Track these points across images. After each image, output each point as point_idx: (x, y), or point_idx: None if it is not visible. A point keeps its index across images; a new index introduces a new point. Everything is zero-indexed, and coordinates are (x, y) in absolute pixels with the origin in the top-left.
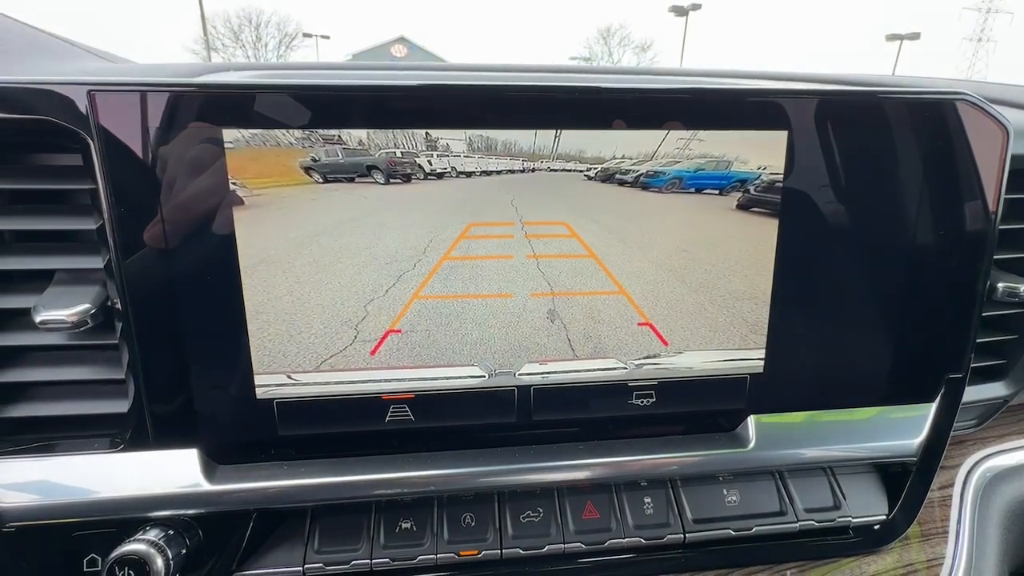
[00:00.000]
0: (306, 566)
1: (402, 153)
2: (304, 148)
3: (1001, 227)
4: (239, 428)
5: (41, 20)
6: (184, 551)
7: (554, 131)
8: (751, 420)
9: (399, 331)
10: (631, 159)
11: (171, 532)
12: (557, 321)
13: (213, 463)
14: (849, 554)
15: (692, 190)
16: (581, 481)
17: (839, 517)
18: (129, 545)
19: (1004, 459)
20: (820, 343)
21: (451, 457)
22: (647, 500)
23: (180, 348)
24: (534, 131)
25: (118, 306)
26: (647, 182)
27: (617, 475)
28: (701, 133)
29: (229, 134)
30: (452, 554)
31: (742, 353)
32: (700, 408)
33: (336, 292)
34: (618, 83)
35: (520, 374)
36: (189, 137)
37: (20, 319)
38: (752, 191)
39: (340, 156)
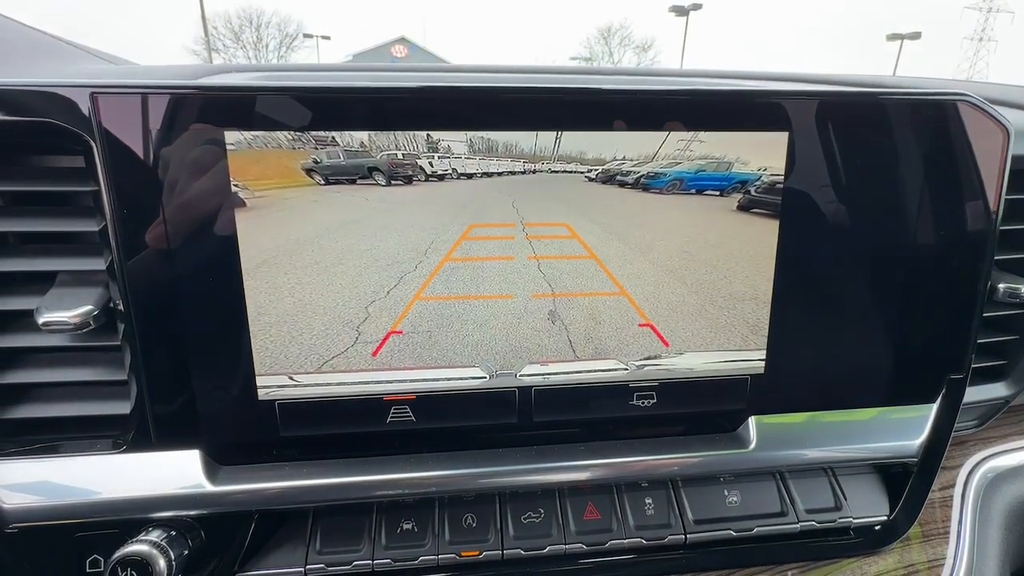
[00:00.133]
0: (308, 567)
1: (403, 155)
2: (295, 150)
3: (1002, 228)
4: (241, 429)
5: (41, 21)
6: (186, 552)
7: (555, 133)
8: (752, 421)
9: (400, 332)
10: (632, 160)
11: (173, 533)
12: (558, 322)
13: (215, 464)
14: (850, 555)
15: (693, 191)
16: (582, 482)
17: (840, 518)
18: (132, 546)
19: (1005, 460)
20: (821, 344)
21: (452, 458)
22: (648, 501)
23: (182, 349)
24: (535, 133)
25: (120, 307)
26: (648, 183)
27: (618, 476)
28: (702, 134)
29: (231, 136)
30: (453, 555)
31: (743, 354)
32: (701, 409)
33: (338, 293)
34: (619, 84)
35: (521, 375)
36: (191, 139)
37: (23, 321)
38: (753, 192)
39: (341, 158)
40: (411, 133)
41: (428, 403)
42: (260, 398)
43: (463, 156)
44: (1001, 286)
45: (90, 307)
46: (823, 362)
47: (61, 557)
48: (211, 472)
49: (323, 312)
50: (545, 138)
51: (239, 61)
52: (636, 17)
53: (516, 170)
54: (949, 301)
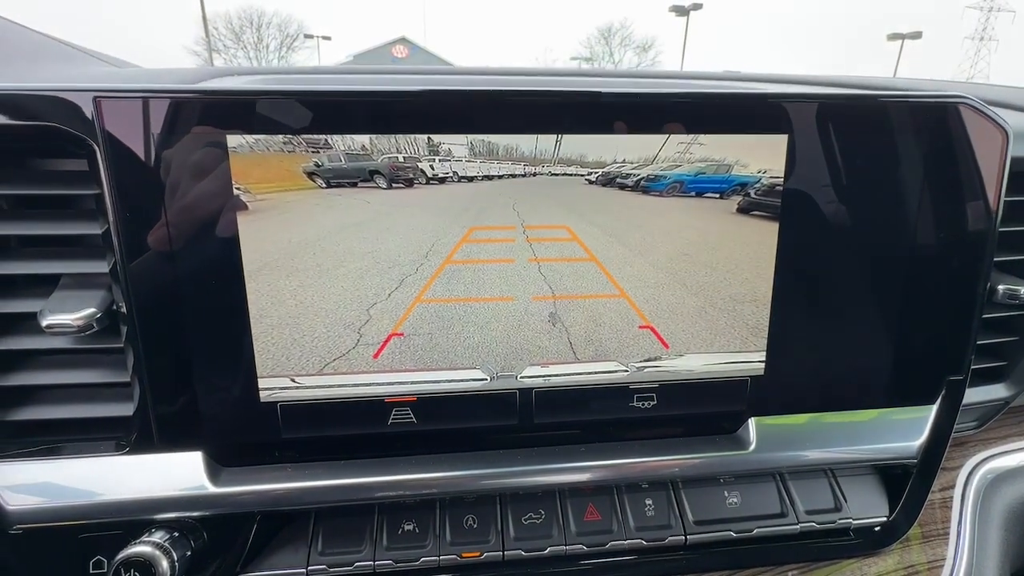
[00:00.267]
0: (310, 568)
1: (404, 158)
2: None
3: (1001, 229)
4: (243, 431)
5: (41, 22)
6: (189, 553)
7: (555, 136)
8: (752, 422)
9: (402, 334)
10: (632, 163)
11: (176, 534)
12: (559, 324)
13: (217, 465)
14: (850, 556)
15: (692, 194)
16: (583, 483)
17: (840, 519)
18: (135, 547)
19: (1005, 460)
20: (820, 346)
21: (453, 459)
22: (648, 502)
23: (184, 351)
24: (535, 136)
25: (123, 310)
26: (648, 186)
27: (618, 477)
28: (701, 137)
29: (233, 139)
30: (454, 555)
31: (743, 356)
32: (701, 410)
33: (339, 296)
34: (619, 87)
35: (522, 377)
36: (193, 142)
37: (26, 323)
38: (752, 195)
39: (343, 161)
40: (412, 136)
41: (429, 405)
42: (262, 400)
43: (464, 159)
44: (1000, 287)
45: (93, 310)
46: (823, 364)
47: (65, 558)
48: (213, 473)
49: (325, 314)
50: (545, 141)
51: (240, 61)
52: (637, 17)
53: (516, 173)
54: (948, 302)
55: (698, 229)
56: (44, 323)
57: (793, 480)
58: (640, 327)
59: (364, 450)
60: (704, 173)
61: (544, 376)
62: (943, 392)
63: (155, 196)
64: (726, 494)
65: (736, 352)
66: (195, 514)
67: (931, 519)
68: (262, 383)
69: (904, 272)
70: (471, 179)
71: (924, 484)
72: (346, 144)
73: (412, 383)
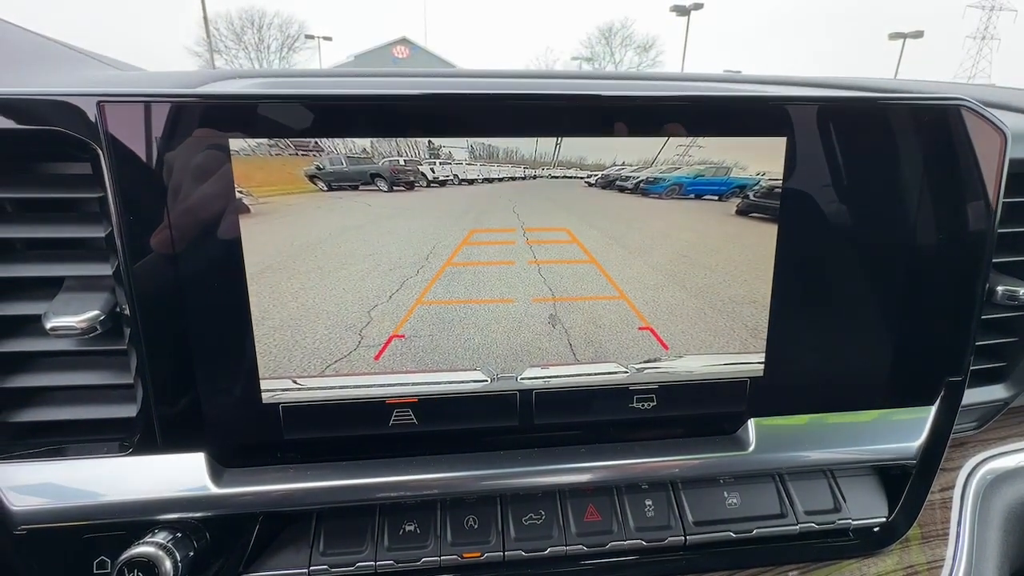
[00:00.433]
0: (311, 568)
1: (405, 161)
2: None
3: (1000, 230)
4: (245, 432)
5: (42, 23)
6: (192, 553)
7: (555, 138)
8: (751, 423)
9: (403, 336)
10: (631, 165)
11: (179, 535)
12: (558, 326)
13: (220, 466)
14: (850, 556)
15: (692, 196)
16: (583, 484)
17: (839, 519)
18: (138, 547)
19: (1005, 461)
20: (819, 347)
21: (454, 460)
22: (648, 502)
23: (187, 353)
24: (535, 139)
25: (126, 312)
26: (647, 188)
27: (618, 478)
28: (700, 139)
29: (235, 143)
30: (455, 556)
31: (742, 357)
32: (700, 411)
33: (341, 298)
34: (619, 90)
35: (522, 378)
36: (196, 146)
37: (31, 326)
38: (751, 197)
39: (344, 164)
40: (413, 140)
41: (430, 406)
42: (264, 401)
43: (464, 162)
44: (999, 288)
45: (97, 312)
46: (822, 365)
47: (68, 559)
48: (216, 474)
49: (326, 316)
50: (545, 144)
51: (241, 62)
52: (638, 16)
53: (517, 176)
54: (947, 303)
55: (697, 231)
56: (48, 325)
57: (792, 481)
58: (640, 328)
59: (365, 451)
60: (703, 175)
61: (544, 377)
62: (942, 393)
63: (158, 199)
64: (726, 495)
65: (735, 353)
66: (198, 515)
67: (931, 519)
68: (264, 384)
69: (903, 273)
70: (471, 182)
71: (923, 485)
72: (347, 147)
73: (413, 384)
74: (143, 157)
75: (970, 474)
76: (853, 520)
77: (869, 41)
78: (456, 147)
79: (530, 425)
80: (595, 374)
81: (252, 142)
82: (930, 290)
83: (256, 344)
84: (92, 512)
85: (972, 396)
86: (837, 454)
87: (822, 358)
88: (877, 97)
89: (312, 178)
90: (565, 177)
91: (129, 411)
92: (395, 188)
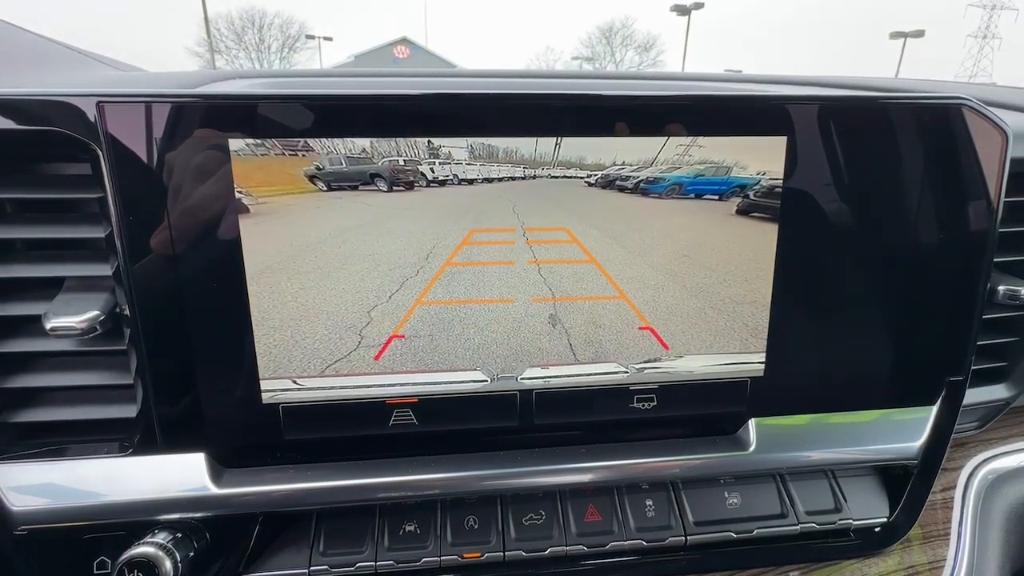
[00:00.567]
0: (312, 568)
1: (405, 161)
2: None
3: (1001, 230)
4: (245, 432)
5: (43, 24)
6: (192, 553)
7: (555, 138)
8: (752, 423)
9: (403, 336)
10: (631, 165)
11: (179, 535)
12: (559, 326)
13: (220, 467)
14: (851, 556)
15: (692, 196)
16: (583, 484)
17: (840, 520)
18: (138, 548)
19: (1006, 461)
20: (820, 347)
21: (454, 460)
22: (648, 503)
23: (187, 354)
24: (535, 138)
25: (126, 312)
26: (647, 188)
27: (619, 478)
28: (701, 139)
29: (235, 143)
30: (455, 556)
31: (742, 357)
32: (701, 411)
33: (340, 298)
34: (619, 89)
35: (522, 378)
36: (196, 146)
37: (31, 326)
38: (752, 196)
39: (344, 164)
40: (412, 140)
41: (430, 406)
42: (264, 402)
43: (464, 162)
44: (1001, 288)
45: (97, 312)
46: (822, 365)
47: (69, 559)
48: (216, 475)
49: (326, 316)
50: (545, 144)
51: (241, 62)
52: (638, 15)
53: (516, 175)
54: (948, 303)
55: (697, 231)
56: (48, 326)
57: (793, 481)
58: (640, 328)
59: (366, 451)
60: (703, 175)
61: (544, 377)
62: (943, 393)
63: (158, 199)
64: (726, 495)
65: (736, 353)
66: (198, 515)
67: (932, 520)
68: (264, 385)
69: (904, 273)
70: (471, 182)
71: (925, 485)
72: (347, 147)
73: (413, 384)
74: (143, 157)
75: (971, 474)
76: (854, 520)
77: (870, 40)
78: (456, 147)
79: (530, 425)
80: (595, 374)
81: (253, 141)
82: (931, 290)
83: (256, 344)
84: (92, 512)
85: (973, 396)
86: (838, 454)
87: (823, 358)
88: (878, 96)
89: (312, 178)
90: (565, 177)
91: (129, 411)
92: (395, 188)
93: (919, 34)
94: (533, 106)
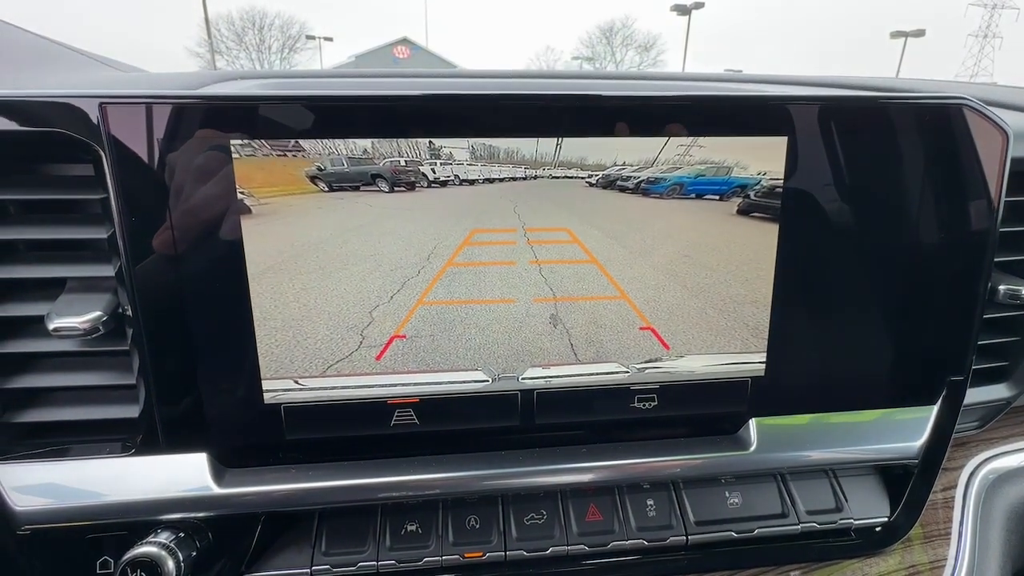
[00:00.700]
0: (313, 568)
1: (406, 162)
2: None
3: (1002, 229)
4: (247, 432)
5: (44, 25)
6: (194, 553)
7: (556, 138)
8: (753, 423)
9: (404, 336)
10: (632, 165)
11: (182, 534)
12: (559, 326)
13: (222, 467)
14: (852, 556)
15: (693, 196)
16: (584, 484)
17: (841, 519)
18: (141, 547)
19: (1007, 461)
20: (821, 346)
21: (456, 460)
22: (650, 502)
23: (189, 354)
24: (536, 139)
25: (129, 313)
26: (648, 188)
27: (620, 478)
28: (701, 139)
29: (236, 144)
30: (457, 556)
31: (743, 357)
32: (702, 411)
33: (342, 298)
34: (620, 90)
35: (523, 378)
36: (197, 147)
37: (34, 327)
38: (752, 196)
39: (345, 165)
40: (414, 140)
41: (431, 406)
42: (266, 402)
43: (465, 162)
44: (1002, 287)
45: (99, 313)
46: (823, 364)
47: (72, 559)
48: (218, 475)
49: (327, 317)
50: (546, 144)
51: (242, 63)
52: (639, 15)
53: (517, 176)
54: (949, 303)
55: (698, 231)
56: (51, 326)
57: (794, 480)
58: (641, 328)
59: (367, 451)
60: (704, 175)
61: (545, 377)
62: (944, 392)
63: (160, 200)
64: (727, 494)
65: (737, 353)
66: (200, 515)
67: (933, 519)
68: (266, 385)
69: (904, 273)
70: (472, 182)
71: (925, 484)
72: (348, 148)
73: (414, 385)
74: (145, 158)
75: (972, 474)
76: (855, 520)
77: (870, 40)
78: (457, 147)
79: (531, 425)
80: (596, 374)
81: (255, 142)
82: (932, 289)
83: (258, 345)
84: (95, 512)
85: (974, 395)
86: (839, 454)
87: (823, 357)
88: (878, 96)
89: (313, 179)
90: (566, 177)
91: (131, 411)
92: (396, 189)
93: (920, 33)
94: (534, 106)
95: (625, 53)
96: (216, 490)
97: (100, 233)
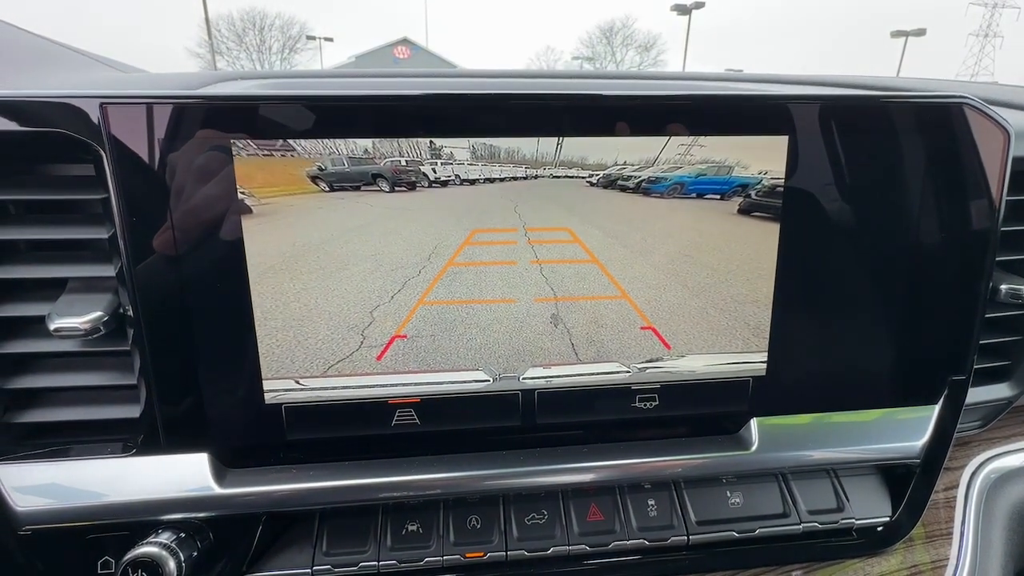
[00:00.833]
0: (315, 568)
1: (406, 161)
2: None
3: (1003, 229)
4: (248, 432)
5: (45, 26)
6: (196, 553)
7: (557, 138)
8: (754, 423)
9: (405, 336)
10: (633, 165)
11: (183, 535)
12: (560, 326)
13: (223, 467)
14: (853, 555)
15: (693, 195)
16: (585, 484)
17: (842, 519)
18: (142, 548)
19: (1009, 460)
20: (822, 346)
21: (456, 460)
22: (651, 502)
23: (190, 354)
24: (537, 138)
25: (130, 313)
26: (649, 188)
27: (621, 477)
28: (702, 139)
29: (237, 144)
30: (458, 556)
31: (744, 356)
32: (703, 411)
33: (343, 298)
34: (620, 89)
35: (524, 378)
36: (198, 147)
37: (34, 327)
38: (753, 196)
39: (346, 165)
40: (414, 140)
41: (432, 406)
42: (267, 402)
43: (466, 162)
44: (1003, 287)
45: (100, 313)
46: (825, 364)
47: (73, 559)
48: (219, 475)
49: (328, 317)
50: (547, 144)
51: (243, 63)
52: (639, 14)
53: (518, 176)
54: (950, 302)
55: (699, 230)
56: (52, 326)
57: (795, 480)
58: (642, 328)
59: (368, 451)
60: (705, 175)
61: (546, 377)
62: (946, 392)
63: (161, 200)
64: (728, 494)
65: (738, 353)
66: (201, 515)
67: (934, 519)
68: (267, 385)
69: (906, 272)
70: (473, 182)
71: (927, 484)
72: (349, 148)
73: (415, 384)
74: (146, 158)
75: (974, 473)
76: (856, 519)
77: (871, 39)
78: (458, 147)
79: (532, 425)
80: (597, 374)
81: (255, 142)
82: (933, 289)
83: (259, 345)
84: (96, 512)
85: (976, 395)
86: (840, 453)
87: (825, 357)
88: (879, 95)
89: (314, 179)
90: (567, 177)
91: (132, 412)
92: (397, 188)
93: (920, 33)
94: (535, 106)
95: (625, 53)
96: (217, 490)
97: (101, 233)
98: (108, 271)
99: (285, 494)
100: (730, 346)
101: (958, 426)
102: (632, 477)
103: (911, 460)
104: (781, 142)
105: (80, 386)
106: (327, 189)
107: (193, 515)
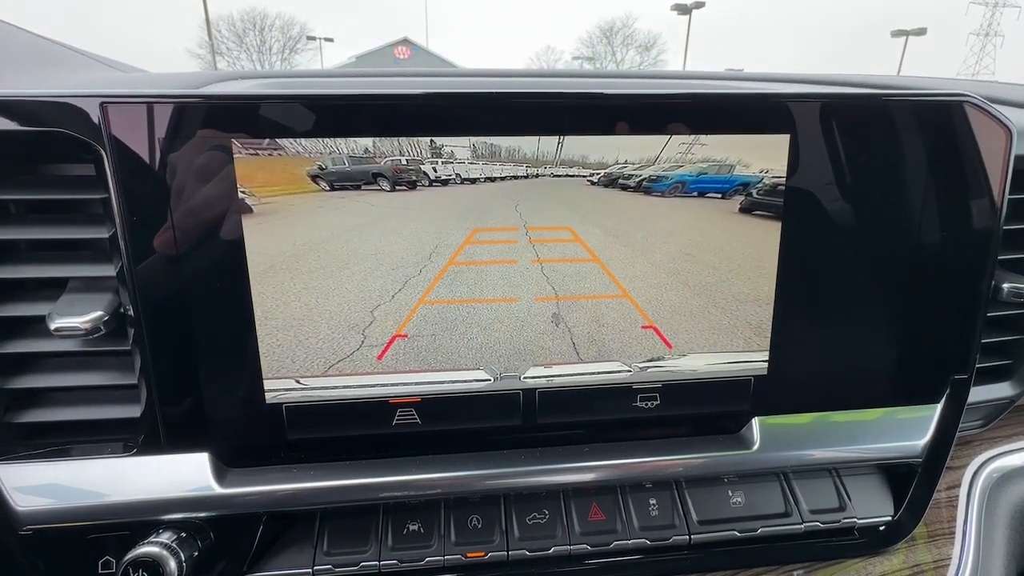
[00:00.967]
0: (315, 568)
1: (407, 160)
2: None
3: (1005, 227)
4: (249, 432)
5: (45, 26)
6: (196, 553)
7: (557, 137)
8: (755, 422)
9: (405, 336)
10: (634, 164)
11: (184, 534)
12: (561, 325)
13: (224, 466)
14: (855, 555)
15: (695, 194)
16: (586, 483)
17: (844, 518)
18: (143, 547)
19: (1011, 459)
20: (824, 345)
21: (457, 460)
22: (652, 502)
23: (191, 354)
24: (537, 138)
25: (130, 313)
26: (650, 186)
27: (622, 477)
28: (703, 137)
29: (237, 143)
30: (459, 555)
31: (746, 355)
32: (704, 410)
33: (343, 297)
34: (621, 88)
35: (525, 377)
36: (198, 146)
37: (35, 327)
38: (755, 194)
39: (346, 164)
40: (415, 139)
41: (433, 405)
42: (267, 401)
43: (466, 161)
44: (1005, 286)
45: (100, 313)
46: (826, 363)
47: (73, 559)
48: (220, 474)
49: (329, 316)
50: (547, 143)
51: (243, 64)
52: (639, 15)
53: (519, 175)
54: (952, 301)
55: (700, 229)
56: (52, 326)
57: (797, 479)
58: (643, 327)
59: (369, 451)
60: (706, 173)
61: (547, 376)
62: (948, 391)
63: (161, 200)
64: (730, 494)
65: (739, 352)
66: (202, 515)
67: (936, 518)
68: (267, 384)
69: (908, 271)
70: (474, 181)
71: (929, 483)
72: (349, 147)
73: (416, 384)
74: (146, 158)
75: (976, 472)
76: (858, 519)
77: (872, 38)
78: (458, 146)
79: (533, 424)
80: (598, 373)
81: (256, 141)
82: (935, 288)
83: (259, 344)
84: (97, 512)
85: (978, 394)
86: (842, 453)
87: (826, 356)
88: (881, 94)
89: (315, 178)
90: (567, 176)
91: (133, 411)
92: (397, 187)
93: (921, 32)
94: (535, 105)
95: (626, 53)
96: (218, 490)
97: (101, 233)
98: (108, 271)
99: (286, 494)
100: (731, 345)
101: (960, 425)
102: (633, 476)
103: (913, 459)
104: (782, 141)
105: (81, 386)
106: (328, 188)
107: (194, 515)
